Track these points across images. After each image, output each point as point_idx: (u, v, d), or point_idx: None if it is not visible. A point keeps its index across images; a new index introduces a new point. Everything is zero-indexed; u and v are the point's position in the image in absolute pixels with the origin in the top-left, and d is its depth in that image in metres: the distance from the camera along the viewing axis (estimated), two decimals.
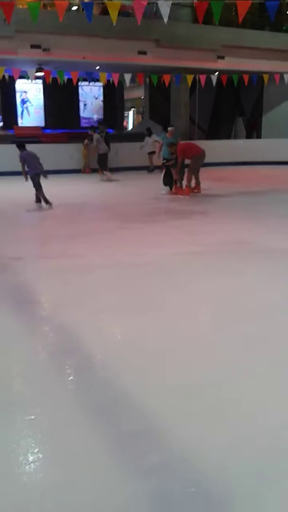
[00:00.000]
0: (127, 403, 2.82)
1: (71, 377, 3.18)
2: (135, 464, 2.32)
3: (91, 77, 17.18)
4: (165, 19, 9.50)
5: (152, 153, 15.21)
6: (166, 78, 15.41)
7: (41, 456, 2.41)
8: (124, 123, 29.61)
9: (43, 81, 19.78)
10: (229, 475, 2.23)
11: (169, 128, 11.50)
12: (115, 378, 3.10)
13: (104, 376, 3.16)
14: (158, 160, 12.02)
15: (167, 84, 15.68)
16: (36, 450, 2.45)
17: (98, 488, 2.18)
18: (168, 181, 11.03)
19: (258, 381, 3.06)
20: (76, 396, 2.94)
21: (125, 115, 30.28)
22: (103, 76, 15.52)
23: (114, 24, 9.55)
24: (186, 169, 10.86)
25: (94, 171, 15.27)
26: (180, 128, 15.87)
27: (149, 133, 15.60)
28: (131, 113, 34.03)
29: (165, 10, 9.53)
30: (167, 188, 11.01)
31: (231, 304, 4.37)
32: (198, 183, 10.97)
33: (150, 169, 15.57)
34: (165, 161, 10.98)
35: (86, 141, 15.27)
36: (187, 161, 10.77)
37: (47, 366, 3.35)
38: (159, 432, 2.55)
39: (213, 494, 2.12)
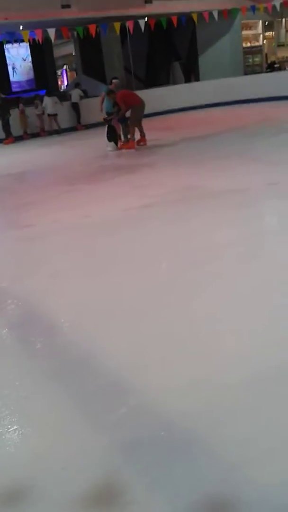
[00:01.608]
0: (91, 362, 2.85)
1: (33, 345, 3.19)
2: (105, 418, 2.38)
3: (14, 38, 16.36)
4: None
5: (53, 115, 14.68)
6: (92, 29, 14.87)
7: (11, 426, 2.43)
8: (59, 82, 28.65)
9: None
10: (189, 415, 2.31)
11: (114, 81, 11.28)
12: (78, 340, 3.13)
13: (67, 339, 3.18)
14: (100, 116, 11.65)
15: (93, 35, 15.15)
16: (6, 421, 2.46)
17: (72, 447, 2.22)
18: (112, 136, 10.82)
19: (218, 322, 3.14)
20: (39, 363, 2.96)
21: (58, 73, 29.25)
22: (26, 34, 14.80)
23: None
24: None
25: (33, 136, 14.86)
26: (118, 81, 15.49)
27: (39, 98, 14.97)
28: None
29: None
30: (112, 144, 10.81)
31: (188, 249, 4.43)
32: (143, 135, 10.80)
33: (57, 131, 14.85)
34: (106, 116, 10.75)
35: (21, 106, 14.76)
36: (127, 114, 10.58)
37: (7, 337, 3.34)
38: (124, 385, 2.61)
39: (181, 435, 2.21)
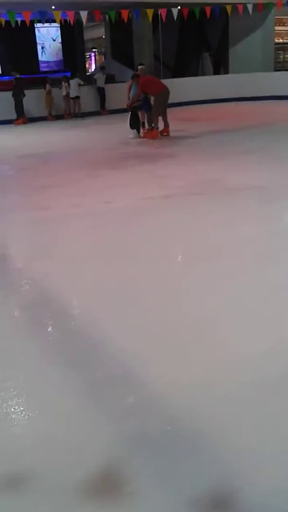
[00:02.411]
0: (102, 349, 2.84)
1: (46, 328, 3.19)
2: (113, 408, 2.37)
3: (45, 18, 16.25)
4: None
5: (76, 98, 14.70)
6: (125, 14, 14.73)
7: (17, 408, 2.43)
8: (87, 65, 28.54)
9: None
10: (200, 411, 2.29)
11: (140, 67, 11.21)
12: (90, 325, 3.11)
13: (79, 324, 3.17)
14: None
15: (125, 20, 15.01)
16: (13, 402, 2.47)
17: (78, 434, 2.21)
18: (135, 124, 10.74)
19: (236, 317, 3.11)
20: (52, 346, 2.95)
21: (87, 56, 29.13)
22: (58, 15, 14.71)
23: None
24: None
25: (58, 118, 14.84)
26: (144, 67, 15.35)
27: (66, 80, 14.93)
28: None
29: None
30: (134, 131, 10.74)
31: (203, 243, 4.39)
32: (166, 125, 10.64)
33: (77, 115, 14.94)
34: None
35: (47, 86, 14.71)
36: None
37: (20, 318, 3.35)
38: (135, 374, 2.59)
39: (188, 430, 2.18)
